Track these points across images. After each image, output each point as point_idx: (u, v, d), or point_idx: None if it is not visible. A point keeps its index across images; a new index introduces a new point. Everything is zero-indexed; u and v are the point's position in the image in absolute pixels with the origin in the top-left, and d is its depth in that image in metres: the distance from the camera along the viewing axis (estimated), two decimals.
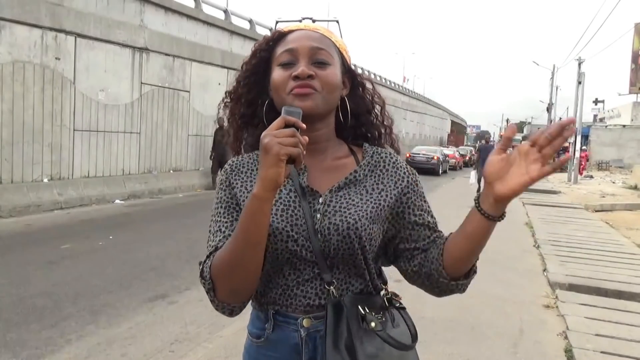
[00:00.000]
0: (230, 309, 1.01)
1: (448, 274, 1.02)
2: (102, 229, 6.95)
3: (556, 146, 0.87)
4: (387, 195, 1.07)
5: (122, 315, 3.76)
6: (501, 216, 0.96)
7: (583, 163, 23.84)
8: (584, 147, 25.56)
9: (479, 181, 12.97)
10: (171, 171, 11.92)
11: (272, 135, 0.86)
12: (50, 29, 8.61)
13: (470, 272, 1.06)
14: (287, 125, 0.88)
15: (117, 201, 9.58)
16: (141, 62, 10.80)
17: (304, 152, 0.87)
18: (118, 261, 5.28)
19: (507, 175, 0.91)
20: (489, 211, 0.94)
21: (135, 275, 4.76)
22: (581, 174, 22.12)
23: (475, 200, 0.97)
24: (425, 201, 1.13)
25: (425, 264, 1.07)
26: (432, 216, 1.13)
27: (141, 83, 10.87)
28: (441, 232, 1.12)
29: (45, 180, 8.61)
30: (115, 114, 10.20)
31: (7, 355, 3.03)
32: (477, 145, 29.54)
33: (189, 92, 12.54)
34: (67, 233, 6.62)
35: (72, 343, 3.24)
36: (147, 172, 11.14)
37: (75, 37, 9.12)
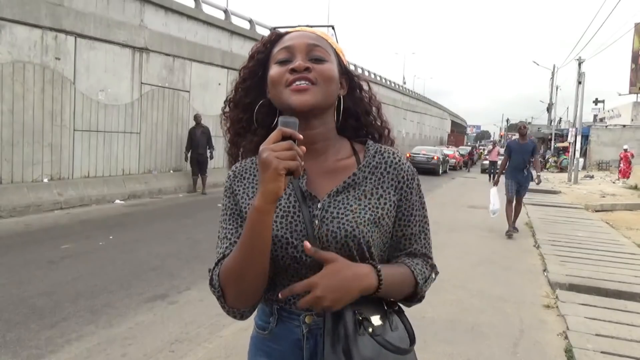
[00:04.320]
0: (241, 313, 1.05)
1: None
2: (102, 229, 6.95)
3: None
4: (385, 203, 1.06)
5: (122, 315, 3.76)
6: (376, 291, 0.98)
7: (624, 166, 20.06)
8: (625, 147, 20.79)
9: (509, 198, 7.72)
10: (171, 171, 11.91)
11: (270, 149, 0.87)
12: (50, 29, 8.61)
13: (413, 299, 1.10)
14: (284, 137, 0.89)
15: (117, 201, 9.58)
16: (141, 62, 10.80)
17: (302, 163, 0.89)
18: (118, 261, 5.28)
19: None
20: None
21: (135, 275, 4.76)
22: (627, 176, 18.94)
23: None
24: (415, 209, 1.10)
25: None
26: (414, 229, 1.11)
27: (141, 83, 10.88)
28: (413, 246, 1.10)
29: (45, 180, 8.61)
30: (115, 114, 10.20)
31: (7, 356, 3.03)
32: (495, 143, 22.77)
33: (189, 92, 12.55)
34: (67, 233, 6.63)
35: (72, 343, 3.24)
36: (147, 172, 11.14)
37: (75, 37, 9.12)
